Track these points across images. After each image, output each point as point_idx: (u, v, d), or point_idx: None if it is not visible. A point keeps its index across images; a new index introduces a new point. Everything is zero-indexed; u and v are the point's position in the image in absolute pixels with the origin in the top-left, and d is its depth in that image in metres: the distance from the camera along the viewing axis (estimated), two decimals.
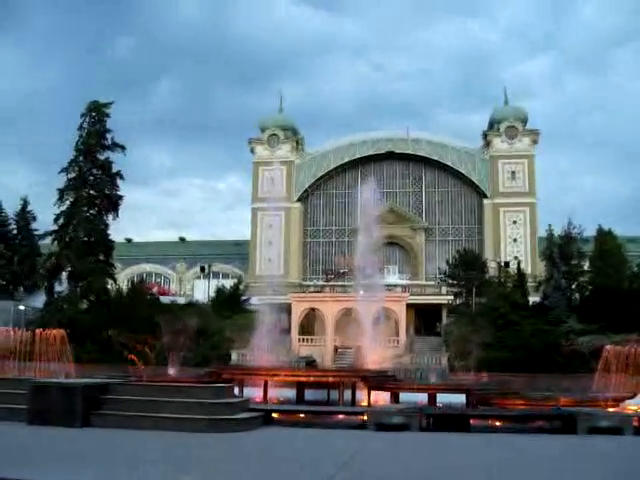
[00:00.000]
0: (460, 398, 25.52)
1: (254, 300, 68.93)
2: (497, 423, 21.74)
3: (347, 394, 27.43)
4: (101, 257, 64.54)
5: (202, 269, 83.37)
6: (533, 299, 61.75)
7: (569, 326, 53.50)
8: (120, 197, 66.09)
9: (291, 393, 28.16)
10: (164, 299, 70.70)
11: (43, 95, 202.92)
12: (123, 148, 66.95)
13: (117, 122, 69.07)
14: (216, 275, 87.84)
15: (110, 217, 65.67)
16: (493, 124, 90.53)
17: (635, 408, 22.89)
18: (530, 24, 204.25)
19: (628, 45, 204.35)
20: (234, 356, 52.02)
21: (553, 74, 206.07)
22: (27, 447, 14.16)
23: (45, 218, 70.51)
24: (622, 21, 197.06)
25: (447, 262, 74.48)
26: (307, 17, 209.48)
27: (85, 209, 64.66)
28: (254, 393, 26.35)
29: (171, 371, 31.37)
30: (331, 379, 28.25)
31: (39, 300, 65.30)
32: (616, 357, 27.03)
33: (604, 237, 64.05)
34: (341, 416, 22.97)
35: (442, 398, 25.98)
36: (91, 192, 65.34)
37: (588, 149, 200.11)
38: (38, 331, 29.68)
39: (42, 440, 15.08)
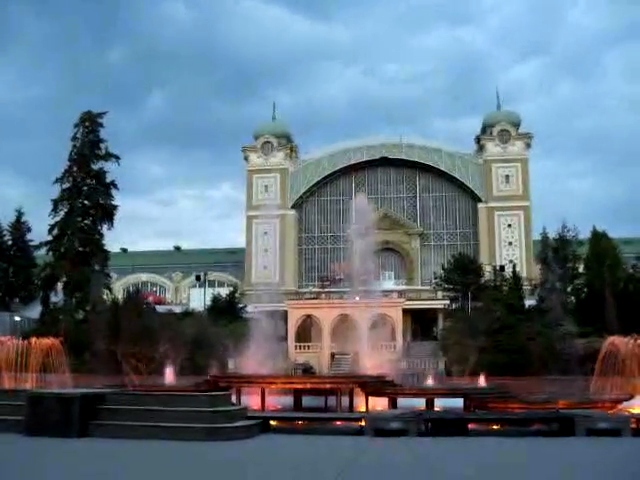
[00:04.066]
0: (458, 402, 25.54)
1: (250, 308, 68.85)
2: (495, 427, 21.75)
3: (345, 400, 27.41)
4: (96, 267, 64.29)
5: (198, 278, 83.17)
6: (529, 302, 61.74)
7: (565, 329, 53.46)
8: (115, 207, 65.89)
9: (289, 400, 28.12)
10: (160, 308, 70.44)
11: (36, 105, 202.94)
12: (117, 158, 66.79)
13: (111, 132, 68.92)
14: (212, 283, 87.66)
15: (105, 227, 65.50)
16: (486, 128, 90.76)
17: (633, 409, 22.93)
18: (520, 28, 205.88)
19: (618, 48, 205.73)
20: (231, 364, 51.84)
21: (544, 77, 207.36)
22: (24, 459, 14.08)
23: (40, 229, 70.00)
24: (611, 24, 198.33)
25: (442, 267, 74.51)
26: (299, 25, 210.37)
27: (80, 219, 64.48)
28: (251, 401, 26.33)
29: (168, 380, 31.32)
30: (328, 386, 28.22)
31: (35, 311, 65.04)
32: (620, 349, 26.71)
33: (599, 239, 63.97)
34: (339, 422, 22.95)
35: (440, 402, 26.01)
36: (85, 202, 65.15)
37: (581, 151, 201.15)
38: (34, 341, 29.54)
39: (38, 451, 14.99)
